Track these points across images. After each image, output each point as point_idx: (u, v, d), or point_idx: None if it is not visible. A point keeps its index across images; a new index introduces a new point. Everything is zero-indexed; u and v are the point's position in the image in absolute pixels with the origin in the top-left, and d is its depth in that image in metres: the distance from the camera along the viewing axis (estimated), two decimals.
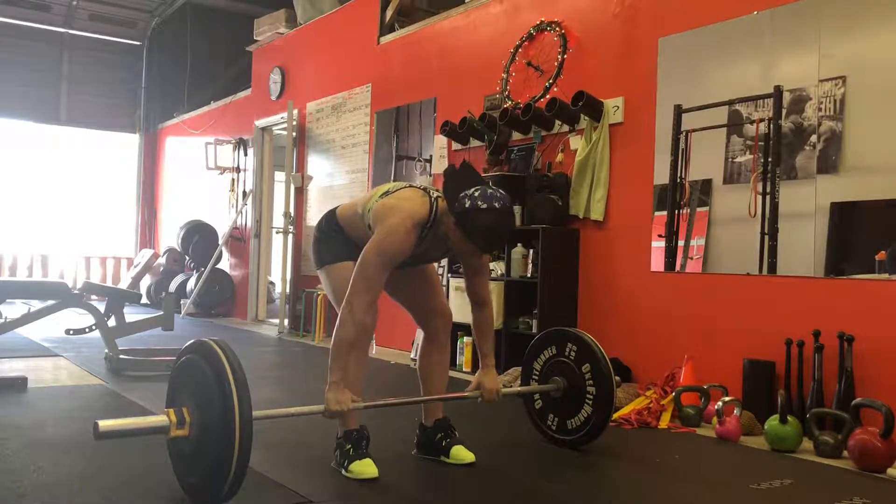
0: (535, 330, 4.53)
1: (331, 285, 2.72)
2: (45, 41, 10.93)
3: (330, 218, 2.77)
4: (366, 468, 2.51)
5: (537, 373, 3.13)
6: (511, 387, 4.21)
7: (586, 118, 4.61)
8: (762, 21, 3.79)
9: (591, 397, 2.94)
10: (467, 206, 2.39)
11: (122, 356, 4.68)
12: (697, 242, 4.03)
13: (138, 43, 11.53)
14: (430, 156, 5.98)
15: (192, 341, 2.29)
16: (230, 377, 2.09)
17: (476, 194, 2.41)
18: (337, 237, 2.71)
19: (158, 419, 2.21)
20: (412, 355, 5.51)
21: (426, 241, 2.55)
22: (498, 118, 5.14)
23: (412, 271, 2.78)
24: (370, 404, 2.61)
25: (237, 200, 9.01)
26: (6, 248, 10.61)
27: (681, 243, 4.11)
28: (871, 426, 2.91)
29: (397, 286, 2.79)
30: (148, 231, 11.54)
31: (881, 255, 3.28)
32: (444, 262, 5.07)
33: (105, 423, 2.13)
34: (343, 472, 2.55)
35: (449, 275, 5.09)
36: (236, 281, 9.00)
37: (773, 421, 3.17)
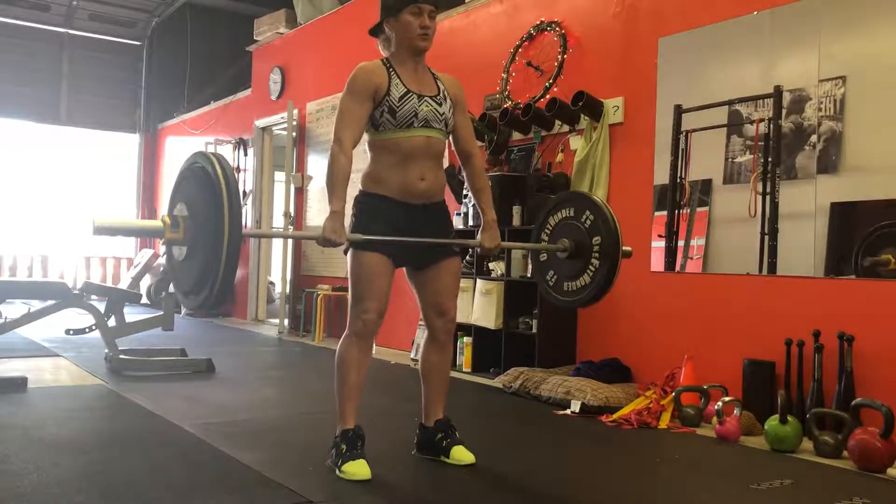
0: (534, 330, 4.54)
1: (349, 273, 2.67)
2: (45, 41, 10.93)
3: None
4: (359, 469, 2.51)
5: (550, 227, 3.04)
6: (511, 387, 4.22)
7: (586, 118, 4.61)
8: (762, 21, 3.79)
9: (593, 270, 2.86)
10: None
11: (122, 356, 4.68)
12: (697, 242, 4.03)
13: (138, 43, 11.52)
14: None
15: (193, 153, 2.42)
16: (222, 181, 2.20)
17: None
18: (360, 208, 2.66)
19: (154, 223, 2.31)
20: (412, 355, 5.52)
21: (401, 72, 2.62)
22: (498, 118, 5.14)
23: (439, 269, 2.72)
24: (369, 238, 2.54)
25: None
26: (6, 248, 10.61)
27: (681, 243, 4.11)
28: (871, 426, 2.90)
29: (419, 277, 2.75)
30: None
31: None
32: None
33: (101, 220, 2.18)
34: (337, 472, 2.54)
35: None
36: (236, 281, 9.00)
37: (773, 421, 3.17)
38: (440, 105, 2.67)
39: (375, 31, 2.73)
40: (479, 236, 2.81)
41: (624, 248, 2.82)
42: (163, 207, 11.40)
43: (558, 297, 3.02)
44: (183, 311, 8.68)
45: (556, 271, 3.03)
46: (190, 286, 2.29)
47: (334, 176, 2.53)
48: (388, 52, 2.70)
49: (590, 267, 2.88)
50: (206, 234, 2.23)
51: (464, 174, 2.86)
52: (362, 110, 2.58)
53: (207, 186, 2.24)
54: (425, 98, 2.64)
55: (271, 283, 9.53)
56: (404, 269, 2.75)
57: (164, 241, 2.31)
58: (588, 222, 2.90)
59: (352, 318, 2.62)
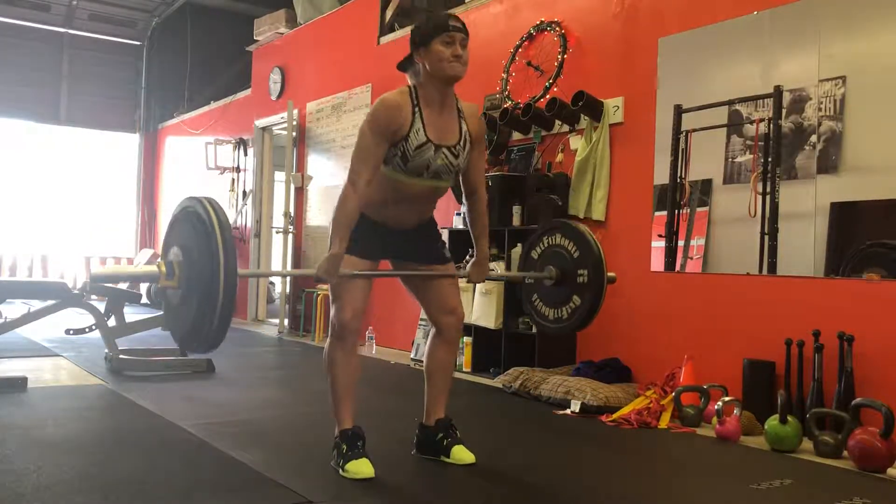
0: (534, 330, 4.53)
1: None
2: (45, 41, 10.92)
3: None
4: (361, 468, 2.51)
5: (538, 253, 3.08)
6: (511, 387, 4.22)
7: (586, 118, 4.61)
8: (762, 21, 3.79)
9: (574, 306, 2.94)
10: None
11: (122, 356, 4.68)
12: (697, 242, 4.03)
13: (138, 43, 11.52)
14: None
15: (186, 197, 2.37)
16: (218, 233, 2.16)
17: None
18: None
19: (149, 269, 2.31)
20: (412, 355, 5.52)
21: (426, 113, 2.54)
22: (498, 118, 5.14)
23: (435, 278, 2.73)
24: (359, 274, 2.55)
25: (237, 200, 9.01)
26: (6, 248, 10.61)
27: (681, 243, 4.11)
28: (871, 426, 2.91)
29: (417, 284, 2.76)
30: (148, 231, 11.54)
31: None
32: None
33: (98, 270, 2.19)
34: (340, 471, 2.55)
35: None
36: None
37: (773, 421, 3.17)
38: (457, 157, 2.59)
39: (404, 66, 2.64)
40: (468, 267, 2.84)
41: (609, 274, 2.92)
42: (163, 208, 11.41)
43: (536, 318, 3.08)
44: None
45: (540, 296, 3.08)
46: (185, 331, 2.24)
47: (344, 217, 2.46)
48: (417, 81, 2.59)
49: (575, 296, 2.94)
50: (201, 284, 2.18)
51: (464, 207, 2.82)
52: (380, 150, 2.50)
53: (202, 234, 2.18)
54: (442, 149, 2.56)
55: (271, 283, 9.54)
56: (399, 278, 2.78)
57: (158, 287, 2.31)
58: (573, 251, 2.97)
59: (331, 320, 2.64)
